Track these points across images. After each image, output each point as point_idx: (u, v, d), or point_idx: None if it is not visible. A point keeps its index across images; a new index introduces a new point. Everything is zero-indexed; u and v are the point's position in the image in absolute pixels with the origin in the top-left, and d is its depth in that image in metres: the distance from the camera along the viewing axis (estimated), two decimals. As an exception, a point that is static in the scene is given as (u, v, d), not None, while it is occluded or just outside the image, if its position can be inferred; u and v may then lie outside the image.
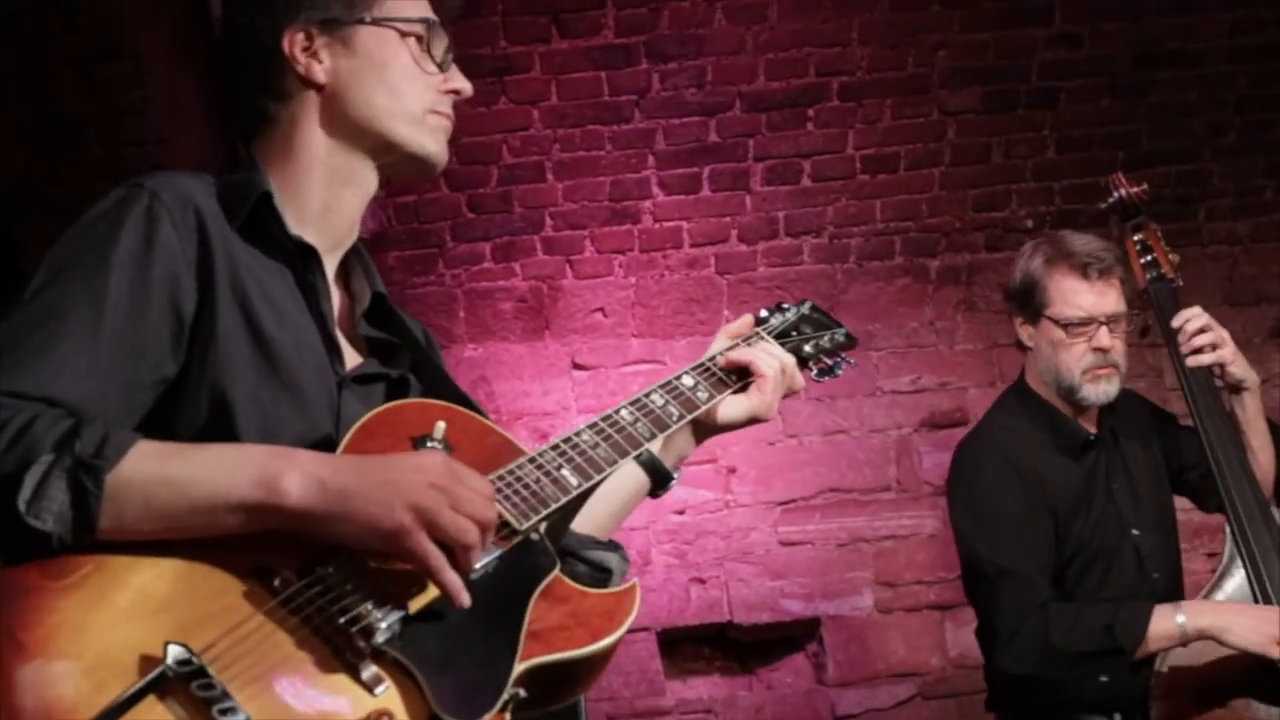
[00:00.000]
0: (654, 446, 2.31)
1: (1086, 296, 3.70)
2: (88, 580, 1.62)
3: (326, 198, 2.11)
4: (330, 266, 2.13)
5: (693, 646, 5.88)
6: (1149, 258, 3.86)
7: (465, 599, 1.73)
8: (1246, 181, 5.97)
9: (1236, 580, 3.61)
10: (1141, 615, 3.50)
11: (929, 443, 5.92)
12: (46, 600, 1.58)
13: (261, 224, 2.01)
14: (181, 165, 2.10)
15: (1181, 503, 3.98)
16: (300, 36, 2.08)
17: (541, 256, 5.80)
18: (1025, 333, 3.86)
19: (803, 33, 5.47)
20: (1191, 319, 3.67)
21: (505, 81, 5.43)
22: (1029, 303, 3.80)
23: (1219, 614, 3.49)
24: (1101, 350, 3.69)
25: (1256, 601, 3.51)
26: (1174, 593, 3.74)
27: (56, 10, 4.23)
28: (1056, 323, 3.72)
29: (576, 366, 5.86)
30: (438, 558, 1.71)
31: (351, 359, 2.10)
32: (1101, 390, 3.73)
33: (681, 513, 5.79)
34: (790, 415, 5.89)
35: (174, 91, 4.71)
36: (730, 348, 2.41)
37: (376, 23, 2.10)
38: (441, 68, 2.15)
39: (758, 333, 2.48)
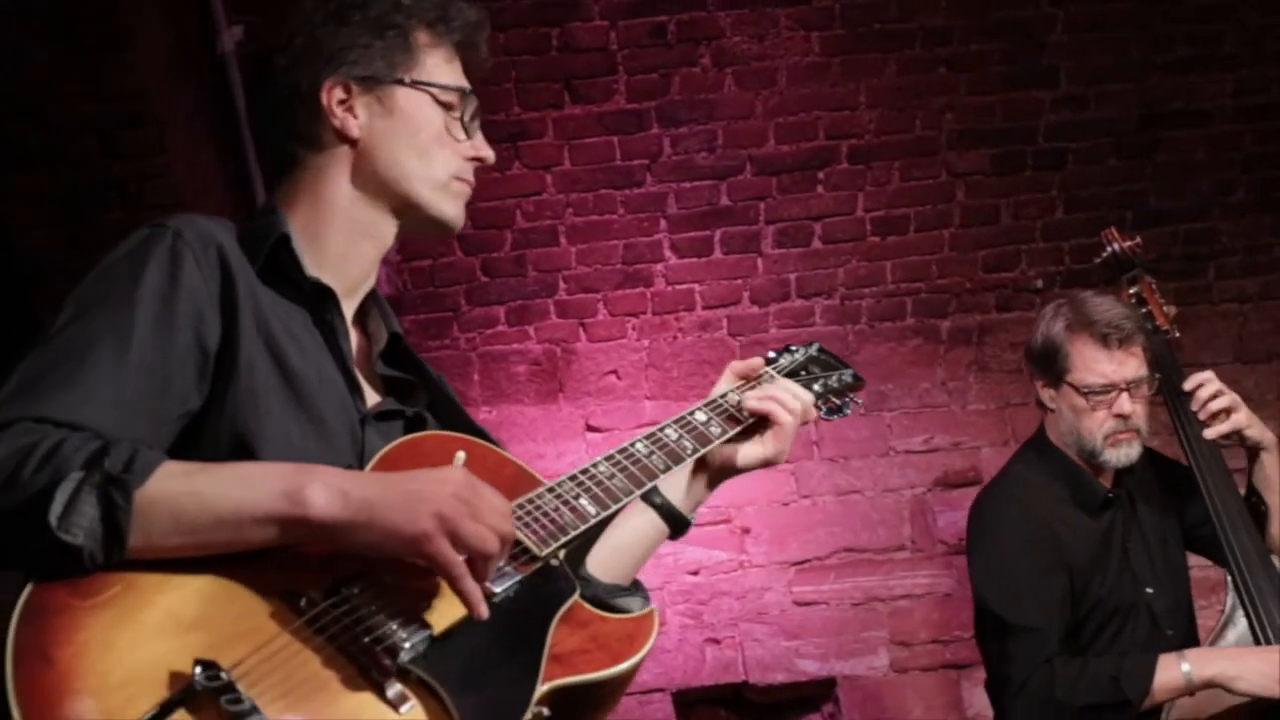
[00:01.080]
0: (671, 492, 2.35)
1: (1107, 365, 3.68)
2: (116, 600, 1.64)
3: (345, 248, 2.15)
4: (348, 310, 2.17)
5: (708, 708, 5.86)
6: (1144, 310, 3.90)
7: (484, 609, 1.76)
8: (1255, 239, 6.01)
9: (1239, 629, 3.62)
10: (1147, 666, 3.49)
11: (943, 502, 5.93)
12: (76, 619, 1.60)
13: (280, 266, 2.05)
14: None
15: (1195, 558, 3.98)
16: (339, 90, 2.12)
17: (555, 320, 5.85)
18: (1046, 395, 3.85)
19: (811, 97, 5.56)
20: (1204, 385, 3.67)
21: (519, 147, 5.52)
22: (1050, 367, 3.79)
23: (1225, 662, 3.47)
24: (1122, 416, 3.69)
25: (1257, 643, 3.52)
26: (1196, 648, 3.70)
27: (78, 78, 4.29)
28: (1077, 389, 3.72)
29: (590, 429, 5.89)
30: (459, 565, 1.74)
31: (371, 398, 2.13)
32: (1123, 454, 3.72)
33: (696, 573, 5.79)
34: (804, 476, 5.92)
35: (193, 158, 4.78)
36: (741, 386, 2.42)
37: (415, 85, 2.14)
38: (469, 134, 2.20)
39: (767, 372, 2.49)
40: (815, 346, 2.70)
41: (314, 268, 2.09)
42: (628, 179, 5.64)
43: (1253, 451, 3.70)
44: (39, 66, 4.24)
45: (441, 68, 2.19)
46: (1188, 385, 3.70)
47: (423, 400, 2.21)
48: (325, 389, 2.02)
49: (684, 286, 5.85)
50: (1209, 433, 3.64)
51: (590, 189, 5.64)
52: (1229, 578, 3.66)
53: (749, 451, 2.38)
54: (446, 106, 2.17)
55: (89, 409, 1.76)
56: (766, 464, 2.41)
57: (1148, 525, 3.87)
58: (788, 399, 2.38)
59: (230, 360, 1.91)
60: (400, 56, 2.14)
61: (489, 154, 2.24)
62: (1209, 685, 3.45)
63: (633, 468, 2.16)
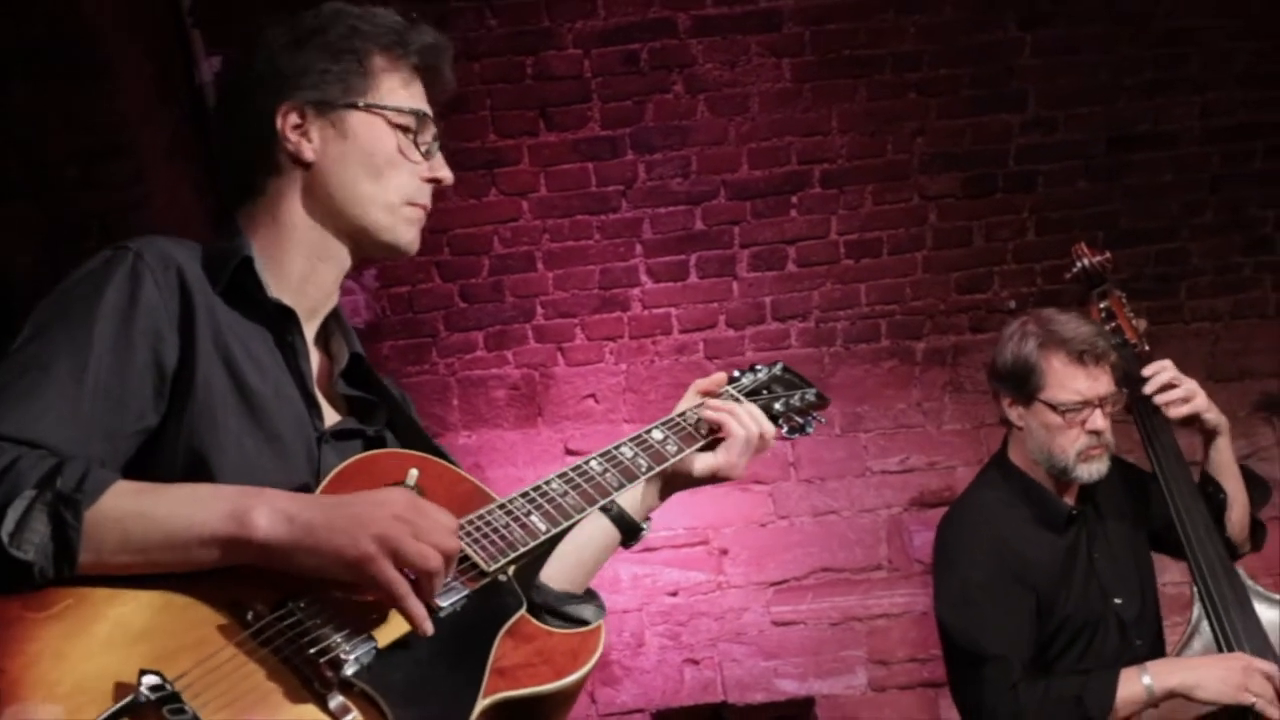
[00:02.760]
0: (625, 500, 2.37)
1: (1083, 382, 3.70)
2: (68, 612, 1.69)
3: (304, 270, 2.17)
4: (310, 331, 2.21)
5: (687, 727, 5.91)
6: (1113, 324, 3.94)
7: (428, 627, 1.80)
8: (1225, 259, 6.06)
9: (1205, 638, 3.65)
10: (1109, 683, 3.51)
11: (919, 521, 5.97)
12: (28, 630, 1.65)
13: (242, 288, 2.07)
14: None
15: (1166, 575, 4.02)
16: (294, 115, 2.14)
17: (533, 345, 5.91)
18: (1015, 413, 3.85)
19: (783, 122, 5.63)
20: (1160, 371, 3.74)
21: (495, 174, 5.58)
22: (1022, 385, 3.79)
23: (1185, 671, 3.51)
24: (1095, 432, 3.71)
25: (1221, 650, 3.57)
26: (1157, 659, 3.73)
27: (59, 110, 4.35)
28: (1052, 407, 3.73)
29: (569, 452, 5.93)
30: (401, 584, 1.78)
31: (330, 416, 2.17)
32: (1094, 469, 3.74)
33: (674, 594, 5.84)
34: (781, 497, 5.97)
35: (174, 188, 4.85)
36: (701, 405, 2.46)
37: (369, 109, 2.16)
38: (426, 156, 2.20)
39: (728, 390, 2.54)
40: (779, 366, 2.74)
41: (276, 289, 2.12)
42: (603, 205, 5.70)
43: (1209, 436, 3.79)
44: (21, 98, 4.31)
45: (398, 91, 2.20)
46: (1146, 371, 3.74)
47: (383, 420, 2.25)
48: (282, 407, 2.05)
49: (660, 310, 5.90)
50: (1171, 412, 3.70)
51: (566, 215, 5.70)
52: (1194, 588, 3.71)
53: (702, 461, 2.42)
54: (402, 129, 2.18)
55: (44, 425, 1.80)
56: (717, 477, 2.44)
57: (1114, 535, 3.90)
58: (743, 415, 2.43)
59: (187, 379, 1.95)
60: (355, 81, 2.16)
61: (446, 175, 2.24)
62: (1171, 696, 3.48)
63: (586, 485, 2.18)
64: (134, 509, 1.76)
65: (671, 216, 5.76)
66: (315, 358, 2.22)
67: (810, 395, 2.71)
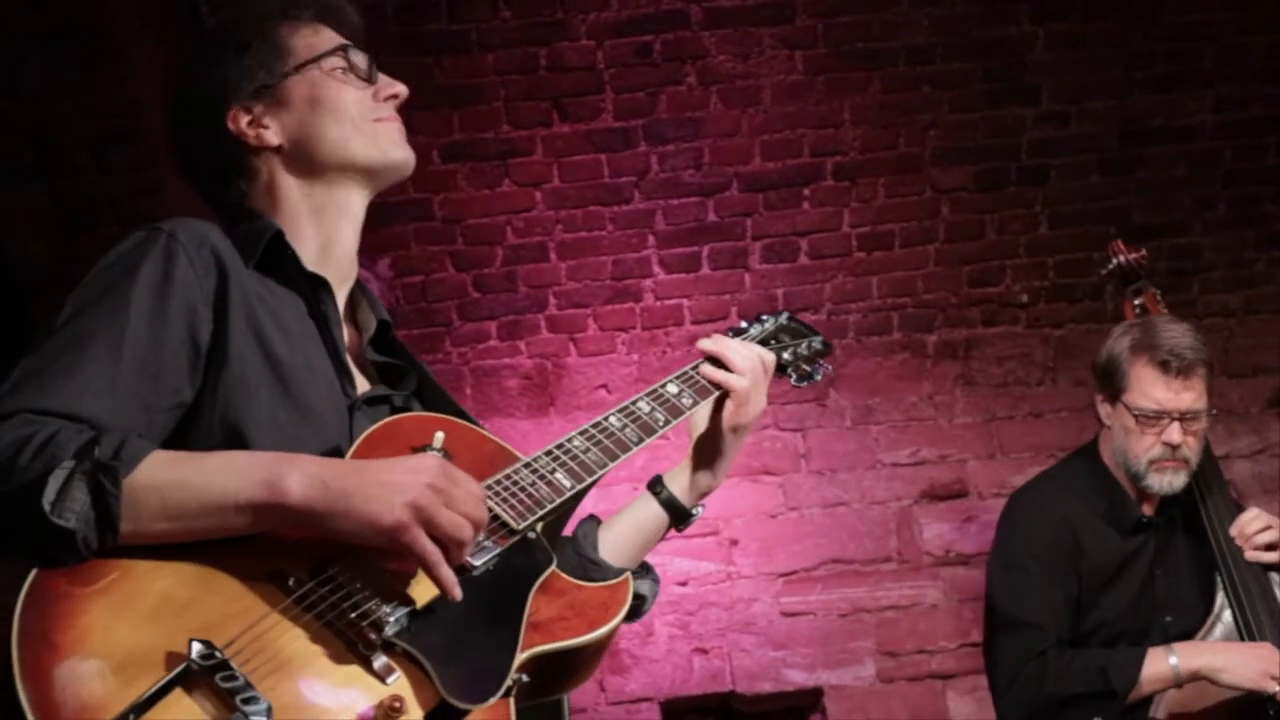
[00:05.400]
0: (675, 486, 2.46)
1: (1162, 391, 3.69)
2: (114, 586, 1.73)
3: (321, 235, 2.24)
4: (339, 300, 2.26)
5: (696, 717, 5.92)
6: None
7: (458, 593, 1.84)
8: (1238, 254, 6.06)
9: (1226, 625, 3.67)
10: (1135, 658, 3.56)
11: (929, 514, 5.99)
12: (77, 604, 1.68)
13: (275, 261, 2.14)
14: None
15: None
16: (242, 115, 2.22)
17: (546, 335, 5.93)
18: (1104, 410, 3.88)
19: (796, 115, 5.64)
20: (1252, 520, 3.71)
21: (509, 164, 5.61)
22: (1109, 383, 3.82)
23: (1212, 654, 3.55)
24: (1171, 445, 3.69)
25: (1243, 640, 3.59)
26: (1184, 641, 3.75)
27: (73, 95, 4.40)
28: (1130, 410, 3.74)
29: (581, 442, 5.95)
30: (434, 553, 1.82)
31: (361, 384, 2.22)
32: (1167, 481, 3.73)
33: (684, 584, 5.85)
34: (791, 488, 5.98)
35: (186, 174, 4.89)
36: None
37: (298, 69, 2.25)
38: (370, 80, 2.29)
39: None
40: (785, 315, 2.78)
41: (305, 262, 2.19)
42: (616, 196, 5.72)
43: None
44: (34, 85, 4.36)
45: (311, 42, 2.28)
46: (1234, 529, 3.71)
47: (411, 385, 2.30)
48: (314, 378, 2.10)
49: (672, 302, 5.93)
50: (1251, 556, 3.67)
51: (579, 206, 5.72)
52: (1219, 576, 3.73)
53: (727, 417, 2.44)
54: (335, 70, 2.26)
55: (84, 401, 1.84)
56: (740, 426, 2.44)
57: (1186, 554, 3.87)
58: (736, 346, 2.47)
59: (222, 353, 1.99)
60: (271, 58, 2.25)
61: (398, 88, 2.31)
62: (1196, 677, 3.52)
63: (607, 441, 2.24)
64: (172, 477, 1.80)
65: (684, 208, 5.78)
66: (345, 329, 2.26)
67: (817, 343, 2.76)
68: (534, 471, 2.11)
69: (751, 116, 5.63)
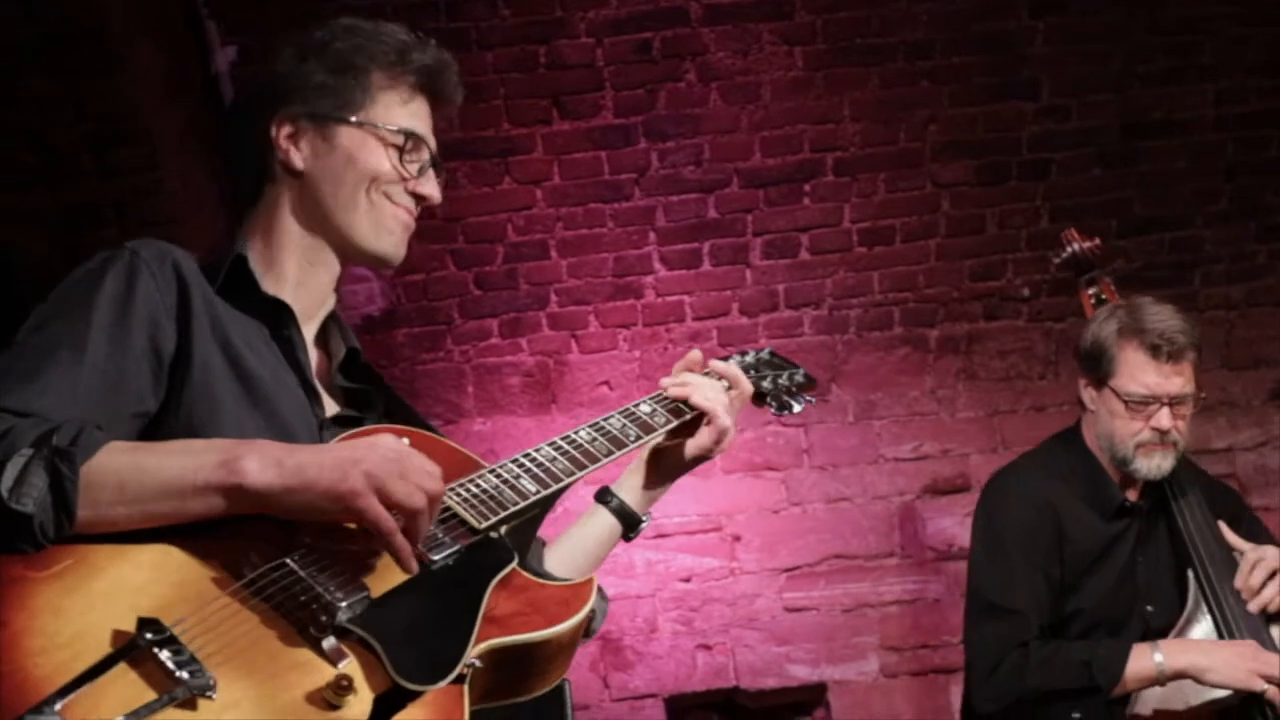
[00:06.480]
0: (625, 493, 2.51)
1: (1152, 376, 3.65)
2: (68, 571, 1.75)
3: (299, 274, 2.28)
4: (309, 332, 2.30)
5: (700, 712, 5.93)
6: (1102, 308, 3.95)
7: (413, 565, 1.87)
8: (1239, 247, 6.05)
9: (1205, 625, 3.63)
10: (1119, 654, 3.53)
11: (931, 509, 5.99)
12: (29, 588, 1.71)
13: (238, 285, 2.18)
14: (195, 245, 2.25)
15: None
16: (288, 125, 2.25)
17: (547, 332, 5.94)
18: (1088, 395, 3.83)
19: (796, 111, 5.64)
20: (1258, 568, 3.63)
21: (509, 162, 5.61)
22: (1095, 368, 3.77)
23: (1197, 653, 3.51)
24: (1159, 430, 3.66)
25: (1221, 638, 3.56)
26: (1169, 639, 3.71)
27: (72, 98, 4.41)
28: (1118, 395, 3.69)
29: (583, 439, 5.96)
30: (387, 520, 1.84)
31: (330, 407, 2.25)
32: (1155, 465, 3.69)
33: (688, 580, 5.86)
34: (794, 484, 5.99)
35: (187, 173, 4.89)
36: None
37: (360, 125, 2.25)
38: (417, 173, 2.28)
39: (710, 367, 2.59)
40: (767, 351, 2.82)
41: (273, 288, 2.22)
42: (617, 193, 5.73)
43: None
44: (34, 87, 4.37)
45: (395, 109, 2.28)
46: (1238, 581, 3.62)
47: (379, 409, 2.33)
48: (282, 393, 2.13)
49: (674, 298, 5.93)
50: (1254, 606, 3.60)
51: (580, 203, 5.73)
52: (1191, 573, 3.70)
53: (692, 444, 2.49)
54: (394, 147, 2.26)
55: (44, 401, 1.87)
56: (705, 455, 2.50)
57: (1166, 543, 3.82)
58: (703, 385, 2.49)
59: (185, 364, 2.03)
60: (351, 96, 2.25)
61: (432, 192, 2.31)
62: (1180, 676, 3.48)
63: (574, 451, 2.26)
64: (129, 462, 1.82)
65: (684, 204, 5.78)
66: (314, 355, 2.30)
67: (799, 376, 2.80)
68: (499, 477, 2.14)
69: (751, 113, 5.64)
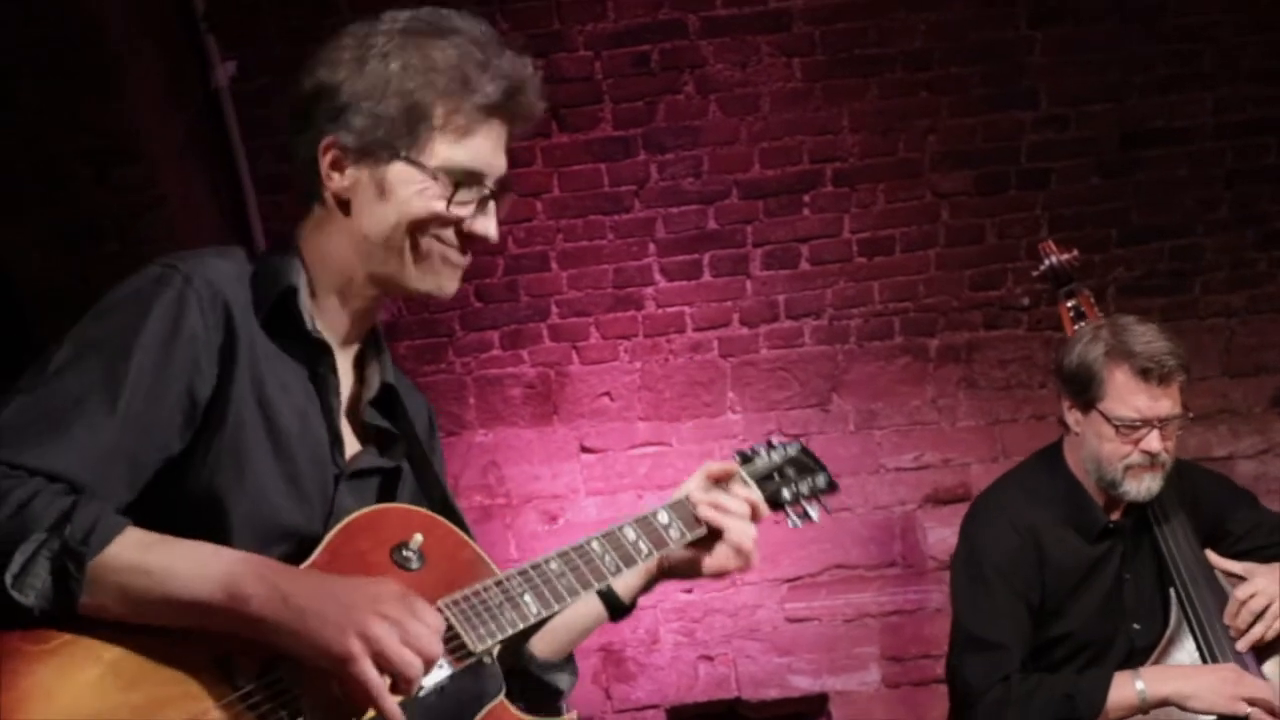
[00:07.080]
0: (617, 583, 2.38)
1: (1143, 399, 3.58)
2: (63, 649, 1.74)
3: (339, 303, 2.17)
4: (346, 357, 2.22)
5: (702, 723, 5.95)
6: (1082, 324, 3.92)
7: (399, 716, 1.83)
8: (1239, 254, 6.03)
9: (1188, 649, 3.61)
10: (1101, 684, 3.50)
11: (933, 518, 5.98)
12: (23, 664, 1.70)
13: (284, 319, 2.08)
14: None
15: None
16: (334, 151, 2.09)
17: (548, 343, 5.94)
18: (1073, 417, 3.77)
19: (795, 122, 5.65)
20: (1253, 598, 3.60)
21: (509, 175, 5.59)
22: (1082, 391, 3.70)
23: (1180, 680, 3.49)
24: (1149, 453, 3.61)
25: (1205, 660, 3.54)
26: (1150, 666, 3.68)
27: (71, 114, 4.41)
28: (1108, 419, 3.63)
29: (585, 450, 5.97)
30: (379, 687, 1.80)
31: (351, 446, 2.18)
32: (1144, 487, 3.64)
33: (689, 591, 5.86)
34: (796, 494, 5.97)
35: (187, 191, 4.90)
36: (710, 489, 2.46)
37: (409, 162, 2.07)
38: (476, 210, 2.11)
39: (740, 475, 2.52)
40: (796, 447, 2.75)
41: (316, 315, 2.13)
42: (616, 205, 5.73)
43: None
44: (32, 104, 4.36)
45: (453, 145, 2.08)
46: (1227, 618, 3.59)
47: (402, 453, 2.25)
48: (306, 446, 2.07)
49: (674, 309, 5.92)
50: (1243, 644, 3.57)
51: (580, 215, 5.74)
52: (1173, 592, 3.66)
53: (710, 562, 2.42)
54: (446, 186, 2.08)
55: (68, 459, 1.83)
56: (725, 574, 2.45)
57: (1152, 562, 3.78)
58: (741, 520, 2.41)
59: (220, 413, 1.97)
60: (402, 129, 2.07)
61: (488, 231, 2.14)
62: (1164, 704, 3.45)
63: (584, 567, 2.19)
64: (137, 564, 1.79)
65: (684, 216, 5.78)
66: (347, 384, 2.22)
67: (821, 481, 2.73)
68: (504, 591, 2.06)
69: (750, 124, 5.65)
